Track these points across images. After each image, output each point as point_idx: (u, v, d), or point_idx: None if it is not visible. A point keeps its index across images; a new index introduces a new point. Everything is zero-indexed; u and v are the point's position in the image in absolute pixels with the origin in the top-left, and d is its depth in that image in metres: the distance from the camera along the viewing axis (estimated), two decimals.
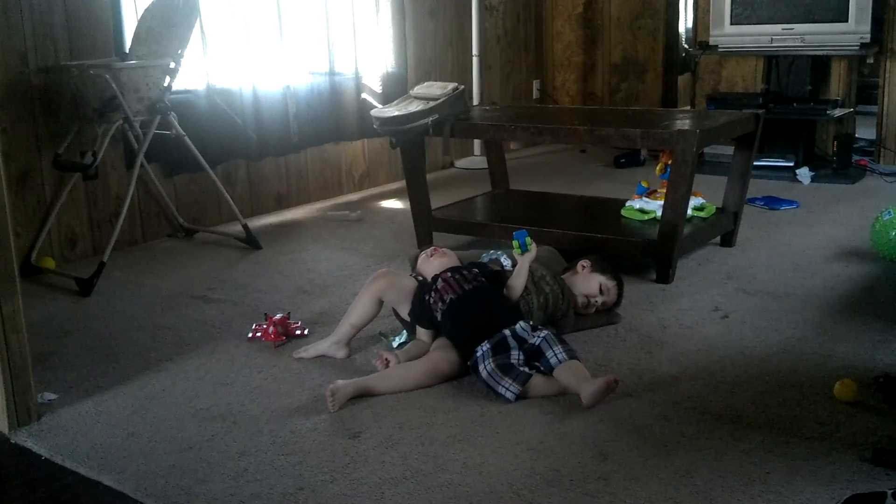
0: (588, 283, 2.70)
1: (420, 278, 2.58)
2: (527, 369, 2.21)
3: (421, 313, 2.46)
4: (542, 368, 2.23)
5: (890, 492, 1.56)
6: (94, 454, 2.00)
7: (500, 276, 2.52)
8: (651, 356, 2.48)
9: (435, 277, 2.47)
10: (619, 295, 2.75)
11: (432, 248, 2.68)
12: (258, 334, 2.69)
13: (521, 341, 2.26)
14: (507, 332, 2.27)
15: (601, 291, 2.70)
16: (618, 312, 2.77)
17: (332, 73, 4.69)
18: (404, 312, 2.53)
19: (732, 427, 2.03)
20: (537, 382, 2.20)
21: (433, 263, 2.58)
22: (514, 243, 2.50)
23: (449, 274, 2.46)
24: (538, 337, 2.26)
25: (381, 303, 2.54)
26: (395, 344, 2.59)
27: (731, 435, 1.99)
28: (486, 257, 2.73)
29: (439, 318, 2.39)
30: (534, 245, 2.51)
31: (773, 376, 2.31)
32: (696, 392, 2.22)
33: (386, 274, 2.59)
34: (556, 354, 2.22)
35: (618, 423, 2.06)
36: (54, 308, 3.07)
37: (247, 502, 1.78)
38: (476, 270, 2.48)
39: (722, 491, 1.76)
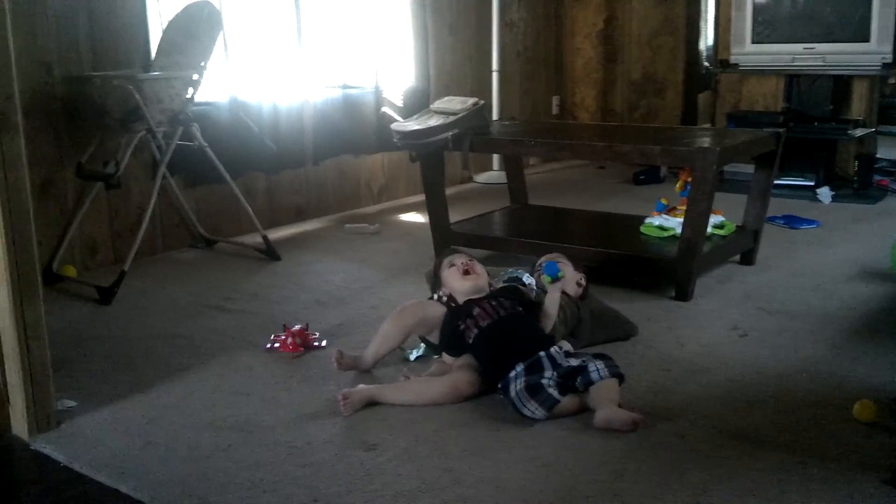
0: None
1: (445, 298, 2.55)
2: (556, 392, 2.14)
3: (452, 341, 2.42)
4: (578, 383, 2.16)
5: None
6: (111, 462, 2.02)
7: (534, 306, 2.50)
8: (668, 374, 2.47)
9: (469, 303, 2.44)
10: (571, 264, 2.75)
11: (463, 260, 2.60)
12: (276, 345, 2.70)
13: (555, 364, 2.21)
14: (542, 353, 2.23)
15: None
16: (634, 325, 2.77)
17: (350, 87, 4.72)
18: (434, 339, 2.51)
19: (749, 446, 2.02)
20: (563, 403, 2.16)
21: (465, 285, 2.53)
22: (546, 278, 2.48)
23: (486, 301, 2.42)
24: (575, 360, 2.22)
25: (408, 335, 2.52)
26: (412, 357, 2.60)
27: (748, 454, 1.98)
28: (504, 275, 2.71)
29: (471, 341, 2.35)
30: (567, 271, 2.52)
31: (791, 396, 2.30)
32: (713, 410, 2.21)
33: (414, 310, 2.51)
34: (598, 370, 2.15)
35: (633, 440, 2.06)
36: (75, 316, 3.09)
37: None
38: (513, 299, 2.45)
39: None
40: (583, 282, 2.75)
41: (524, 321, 2.40)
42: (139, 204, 3.78)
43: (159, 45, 3.45)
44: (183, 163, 3.81)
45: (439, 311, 2.51)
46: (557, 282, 2.49)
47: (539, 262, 2.74)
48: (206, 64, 3.53)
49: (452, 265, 2.60)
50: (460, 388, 2.29)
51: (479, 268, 2.61)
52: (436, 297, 2.61)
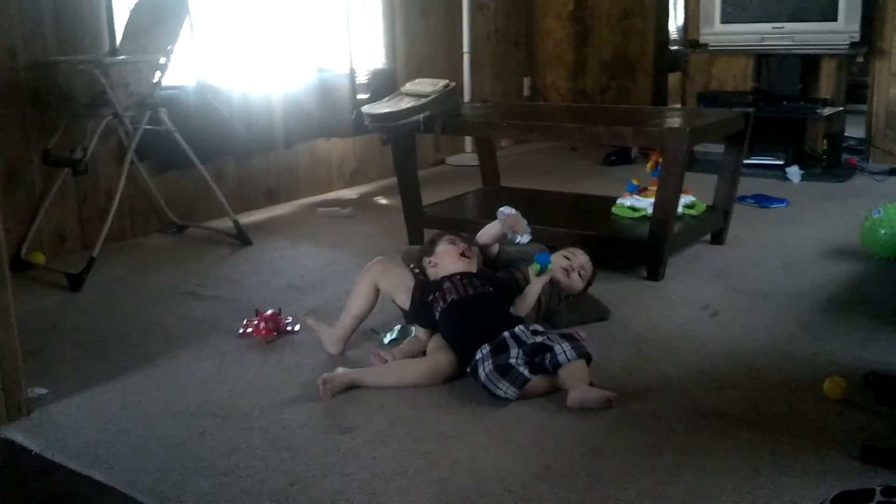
0: (555, 259, 2.68)
1: (417, 270, 2.56)
2: (526, 370, 2.16)
3: (421, 312, 2.44)
4: (546, 364, 2.17)
5: (878, 488, 1.56)
6: (84, 449, 2.00)
7: (507, 289, 2.51)
8: (641, 354, 2.49)
9: (442, 279, 2.45)
10: (587, 257, 2.76)
11: (466, 246, 2.58)
12: (249, 330, 2.68)
13: (520, 342, 2.22)
14: (506, 333, 2.24)
15: (567, 258, 2.72)
16: (607, 307, 2.78)
17: (323, 70, 4.69)
18: (400, 300, 2.50)
19: (722, 424, 2.04)
20: (535, 383, 2.17)
21: (457, 265, 2.51)
22: (536, 266, 2.49)
23: (458, 277, 2.44)
24: (540, 336, 2.24)
25: (377, 291, 2.52)
26: (385, 340, 2.60)
27: (721, 432, 2.00)
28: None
29: (437, 316, 2.37)
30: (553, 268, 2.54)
31: (763, 374, 2.32)
32: (686, 389, 2.23)
33: (381, 261, 2.57)
34: (564, 351, 2.16)
35: (608, 420, 2.07)
36: (44, 303, 3.06)
37: (237, 498, 1.78)
38: (484, 280, 2.46)
39: (711, 488, 1.77)
40: (577, 252, 2.76)
41: (492, 301, 2.41)
42: (107, 190, 3.73)
43: (125, 29, 3.41)
44: (151, 148, 3.78)
45: (406, 273, 2.54)
46: (545, 274, 2.50)
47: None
48: (173, 47, 3.48)
49: (453, 244, 2.59)
50: (441, 369, 2.29)
51: (474, 258, 2.60)
52: (410, 266, 2.63)
